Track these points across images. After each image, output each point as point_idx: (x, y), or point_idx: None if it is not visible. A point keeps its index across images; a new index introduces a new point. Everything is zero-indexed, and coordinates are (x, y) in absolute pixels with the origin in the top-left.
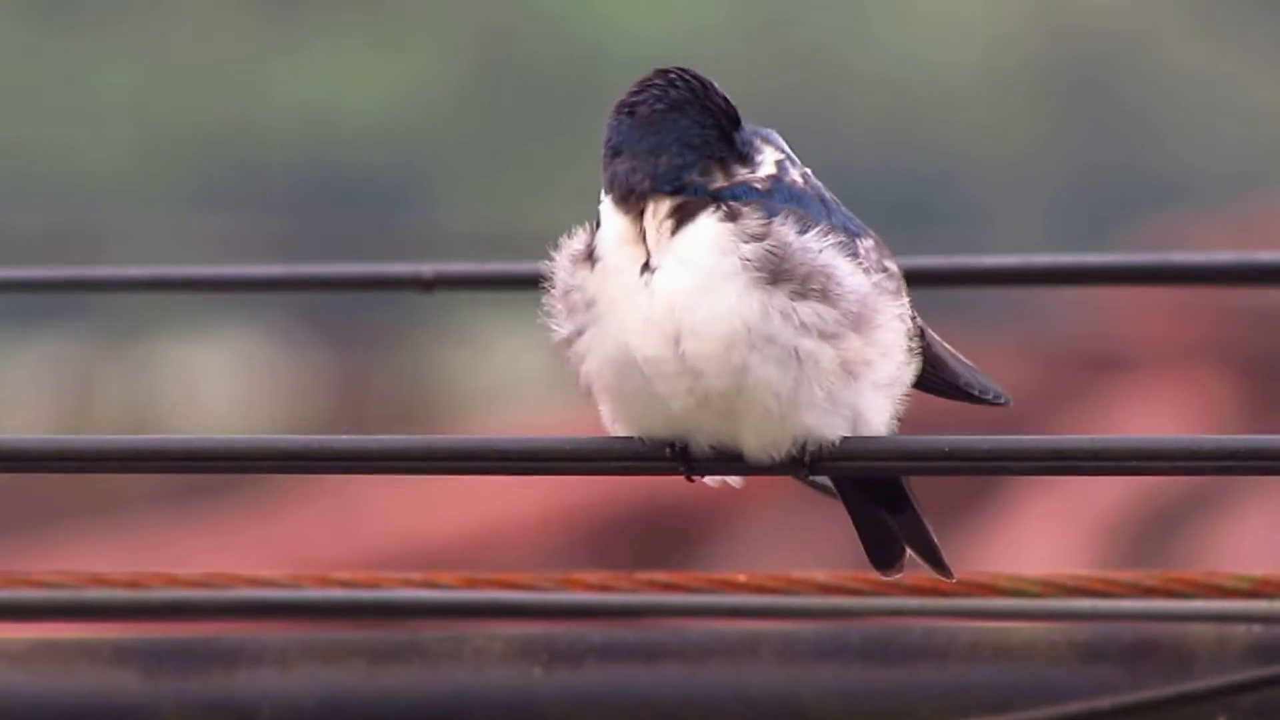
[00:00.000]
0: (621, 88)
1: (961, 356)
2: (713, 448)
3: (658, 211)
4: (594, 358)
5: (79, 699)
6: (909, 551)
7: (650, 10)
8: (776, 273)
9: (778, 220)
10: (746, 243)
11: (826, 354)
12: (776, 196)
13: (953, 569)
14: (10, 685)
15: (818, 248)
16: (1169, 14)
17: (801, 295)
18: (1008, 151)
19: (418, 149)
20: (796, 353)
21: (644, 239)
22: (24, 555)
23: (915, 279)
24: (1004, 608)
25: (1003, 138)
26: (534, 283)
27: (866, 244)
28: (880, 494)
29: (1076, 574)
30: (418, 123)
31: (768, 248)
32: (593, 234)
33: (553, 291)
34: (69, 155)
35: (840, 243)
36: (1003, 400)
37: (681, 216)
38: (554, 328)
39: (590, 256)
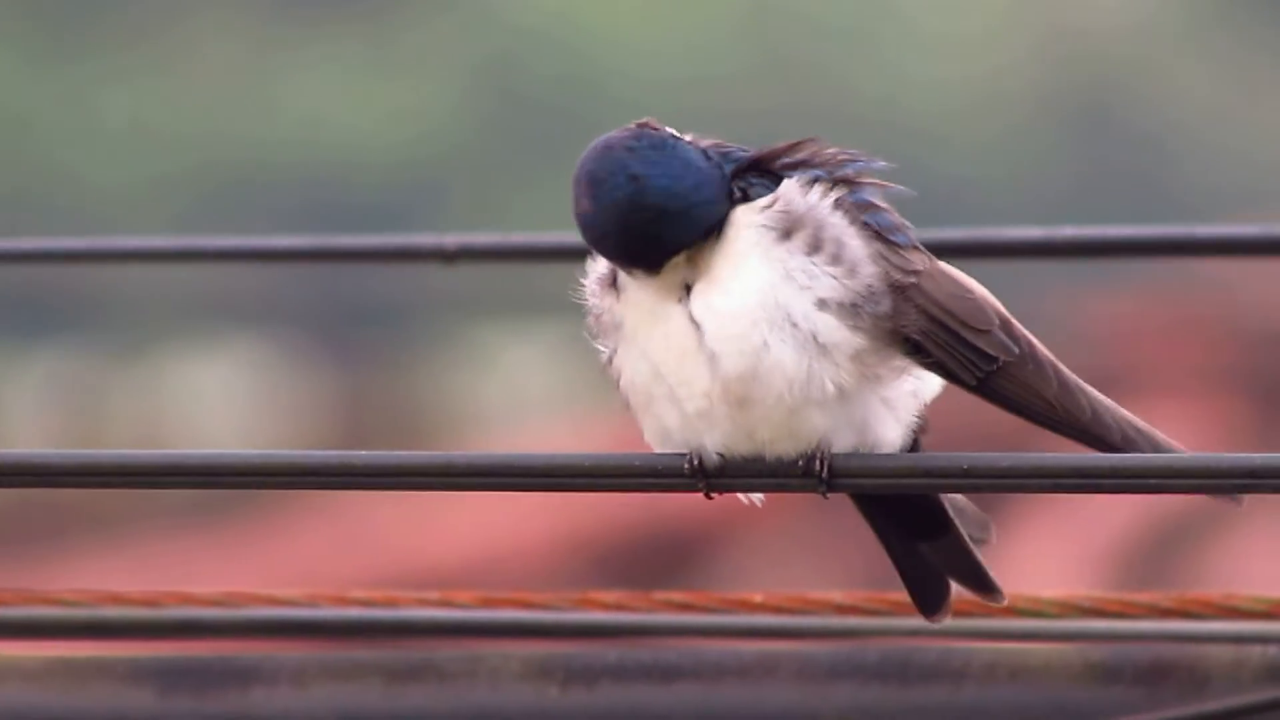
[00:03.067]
0: (627, 107)
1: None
2: (721, 455)
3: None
4: (626, 374)
5: (94, 717)
6: (954, 587)
7: (651, 30)
8: (789, 229)
9: (784, 184)
10: (760, 214)
11: (843, 339)
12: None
13: (1000, 588)
14: (27, 703)
15: (824, 205)
16: (1173, 35)
17: (815, 250)
18: (1011, 172)
19: (420, 171)
20: (815, 338)
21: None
22: (36, 571)
23: (936, 252)
24: (1021, 629)
25: (1006, 159)
26: (556, 255)
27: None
28: (916, 519)
29: (1093, 595)
30: (420, 145)
31: (779, 209)
32: None
33: (589, 314)
34: (70, 176)
35: (852, 209)
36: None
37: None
38: (598, 346)
39: (615, 283)
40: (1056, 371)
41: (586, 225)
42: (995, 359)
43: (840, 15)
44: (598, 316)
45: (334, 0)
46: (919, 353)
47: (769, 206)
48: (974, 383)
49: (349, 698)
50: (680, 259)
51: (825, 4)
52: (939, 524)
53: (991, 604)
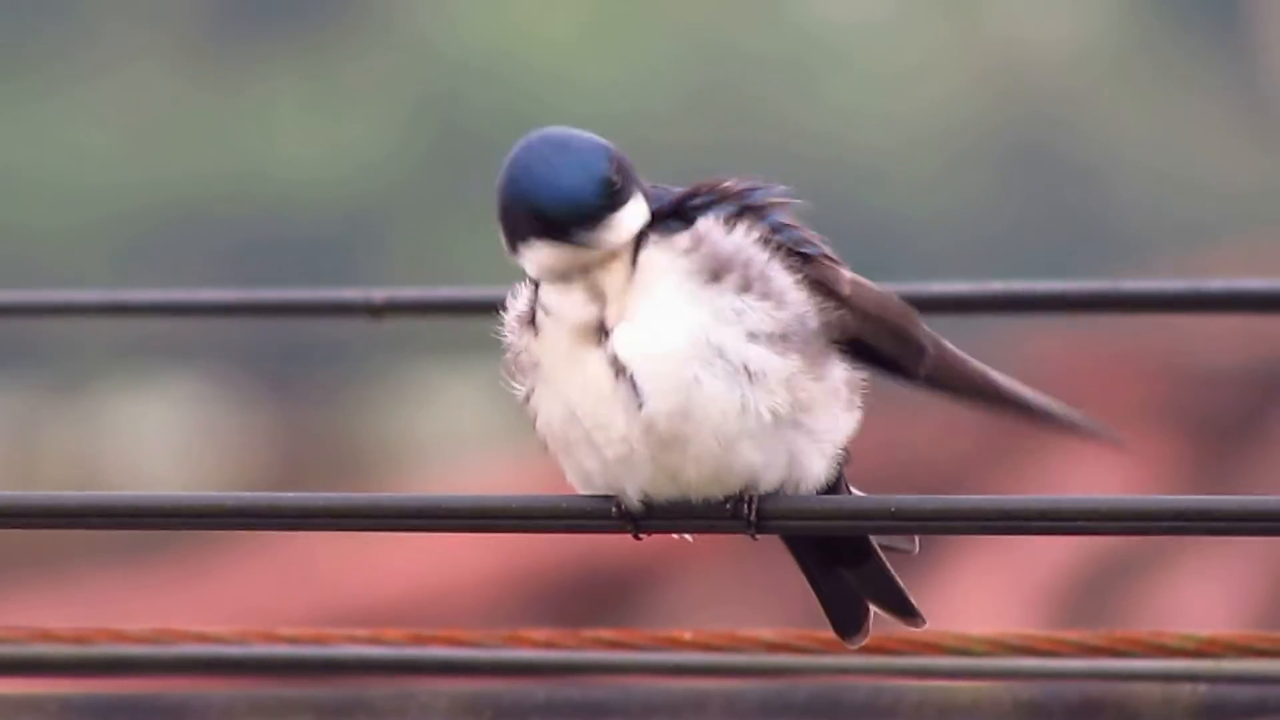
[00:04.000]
0: None
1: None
2: (642, 502)
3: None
4: (543, 415)
5: None
6: (873, 612)
7: (591, 65)
8: (715, 271)
9: (700, 223)
10: (681, 258)
11: (774, 366)
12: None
13: (920, 612)
14: None
15: (745, 240)
16: (1114, 69)
17: (745, 289)
18: (953, 208)
19: (366, 205)
20: (746, 368)
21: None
22: None
23: None
24: (950, 666)
25: (947, 194)
26: (484, 309)
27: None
28: (840, 547)
29: (1022, 633)
30: (365, 179)
31: (702, 252)
32: (534, 292)
33: (508, 351)
34: (14, 209)
35: (767, 240)
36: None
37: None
38: (514, 387)
39: (533, 321)
40: (967, 359)
41: (511, 180)
42: (927, 349)
43: (779, 50)
44: (515, 355)
45: (272, 37)
46: (860, 355)
47: (692, 249)
48: (922, 373)
49: None
50: (597, 256)
51: (764, 39)
52: (862, 552)
53: (912, 628)
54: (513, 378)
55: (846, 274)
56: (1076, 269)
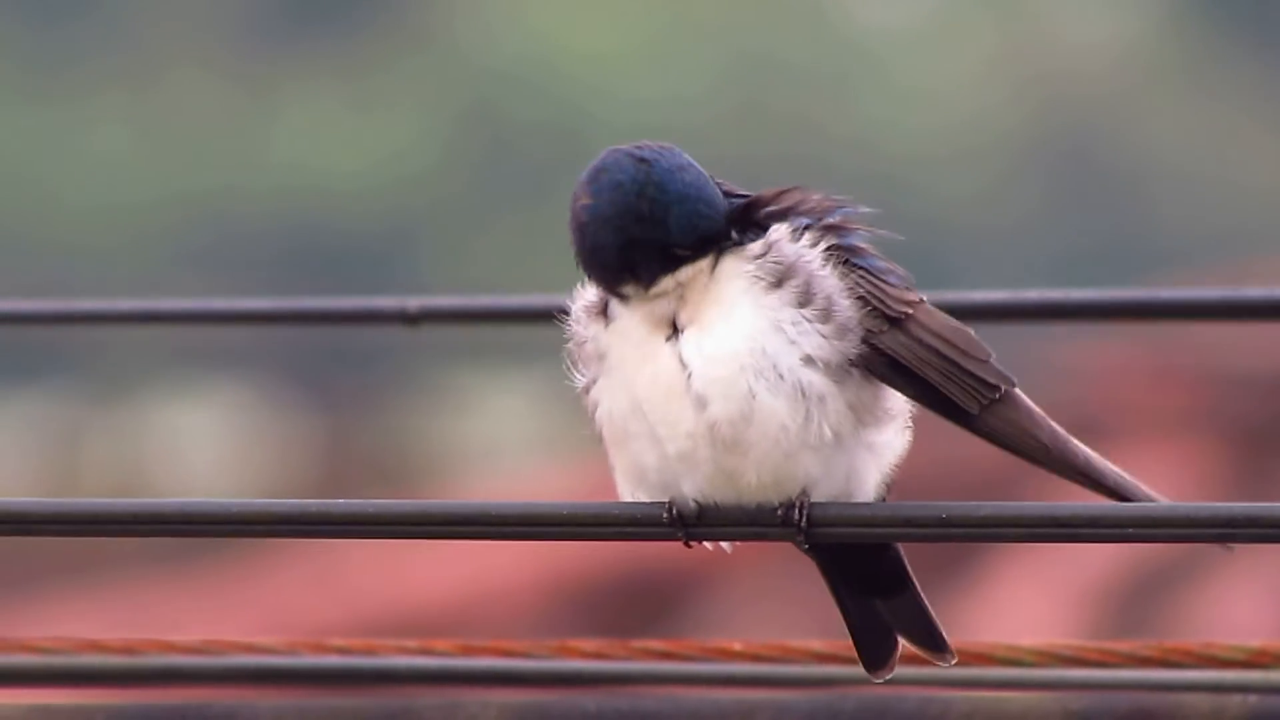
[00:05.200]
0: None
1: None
2: (698, 502)
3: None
4: (604, 406)
5: None
6: (901, 645)
7: (633, 77)
8: (779, 280)
9: (772, 231)
10: (749, 264)
11: (830, 389)
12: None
13: (951, 648)
14: None
15: (814, 255)
16: (1150, 79)
17: (804, 303)
18: (991, 219)
19: (402, 214)
20: (802, 388)
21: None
22: (12, 619)
23: None
24: (999, 677)
25: (986, 205)
26: (518, 317)
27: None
28: (875, 574)
29: (1072, 644)
30: (401, 188)
31: (770, 260)
32: None
33: (571, 341)
34: (53, 217)
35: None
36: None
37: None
38: (576, 375)
39: (605, 312)
40: (1043, 415)
41: (585, 221)
42: (997, 387)
43: (821, 63)
44: (581, 344)
45: (310, 47)
46: (915, 386)
47: (761, 256)
48: (976, 410)
49: None
50: (673, 282)
51: (806, 52)
52: (897, 580)
53: (940, 664)
54: (574, 367)
55: (910, 296)
56: (1122, 279)
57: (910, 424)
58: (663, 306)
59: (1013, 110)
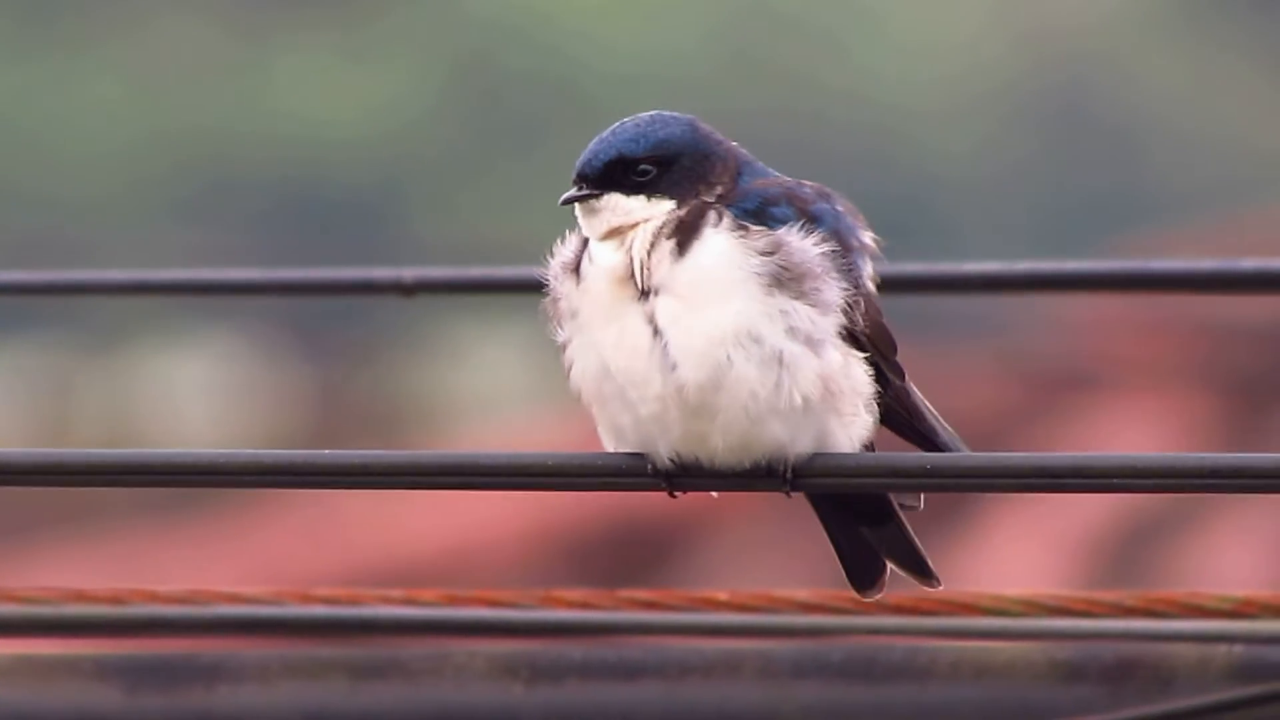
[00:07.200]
0: (598, 104)
1: (942, 420)
2: (672, 460)
3: (649, 230)
4: (579, 365)
5: (60, 714)
6: (889, 568)
7: (627, 29)
8: (781, 278)
9: (782, 231)
10: (755, 257)
11: (809, 361)
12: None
13: (937, 574)
14: None
15: (816, 252)
16: (1146, 32)
17: (800, 296)
18: (986, 171)
19: (395, 164)
20: (781, 357)
21: (632, 260)
22: (1, 568)
23: (896, 287)
24: (986, 627)
25: (981, 158)
26: (514, 288)
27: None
28: (863, 508)
29: (1058, 594)
30: (395, 138)
31: (779, 261)
32: (583, 243)
33: (548, 298)
34: (47, 167)
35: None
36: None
37: (683, 232)
38: (555, 331)
39: (577, 269)
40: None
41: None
42: (891, 381)
43: (817, 15)
44: (555, 301)
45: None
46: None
47: (768, 252)
48: (891, 394)
49: (314, 695)
50: (638, 222)
51: (802, 3)
52: (883, 513)
53: (928, 588)
54: (551, 324)
55: (871, 281)
56: (1118, 230)
57: (874, 408)
58: (623, 265)
59: (1010, 63)
